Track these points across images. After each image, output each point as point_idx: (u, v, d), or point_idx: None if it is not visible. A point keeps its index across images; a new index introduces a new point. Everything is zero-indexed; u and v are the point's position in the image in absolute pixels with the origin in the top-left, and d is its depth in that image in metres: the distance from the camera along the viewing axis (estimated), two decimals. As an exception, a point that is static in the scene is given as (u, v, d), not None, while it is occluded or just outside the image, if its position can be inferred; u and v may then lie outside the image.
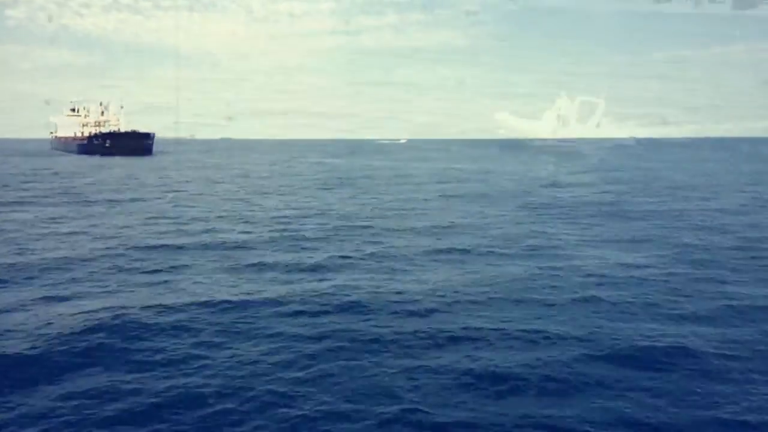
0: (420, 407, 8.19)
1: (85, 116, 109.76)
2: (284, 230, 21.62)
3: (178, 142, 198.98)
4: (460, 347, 10.28)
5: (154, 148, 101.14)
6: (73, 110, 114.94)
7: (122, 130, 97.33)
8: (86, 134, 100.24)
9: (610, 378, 9.21)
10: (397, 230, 21.87)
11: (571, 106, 60.45)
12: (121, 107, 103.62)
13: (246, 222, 23.31)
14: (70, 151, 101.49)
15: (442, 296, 13.35)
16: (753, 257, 17.47)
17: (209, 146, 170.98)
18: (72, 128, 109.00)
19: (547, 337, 10.84)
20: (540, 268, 16.04)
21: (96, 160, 75.32)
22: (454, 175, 49.36)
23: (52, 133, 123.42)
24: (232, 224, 22.75)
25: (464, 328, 11.26)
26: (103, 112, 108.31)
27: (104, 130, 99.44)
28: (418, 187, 38.86)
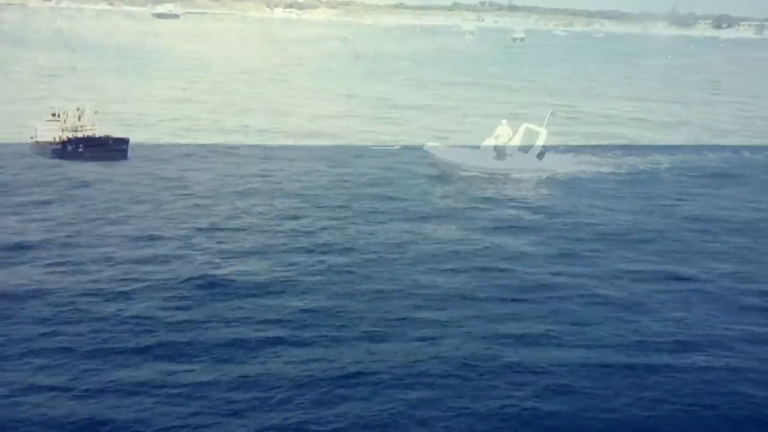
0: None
1: (65, 121, 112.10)
2: (135, 227, 24.60)
3: (173, 146, 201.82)
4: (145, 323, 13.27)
5: (131, 153, 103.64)
6: (54, 115, 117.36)
7: (97, 135, 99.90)
8: (63, 139, 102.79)
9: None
10: (237, 230, 24.81)
11: (513, 136, 58.84)
12: (95, 112, 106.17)
13: (116, 224, 26.31)
14: (46, 156, 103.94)
15: (200, 286, 16.36)
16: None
17: (195, 151, 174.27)
18: (51, 133, 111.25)
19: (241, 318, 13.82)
20: (320, 262, 19.12)
21: (64, 164, 77.74)
22: (367, 182, 50.79)
23: (32, 137, 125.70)
24: (98, 225, 25.80)
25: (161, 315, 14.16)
26: (80, 117, 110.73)
27: (80, 135, 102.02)
28: (326, 193, 41.22)
